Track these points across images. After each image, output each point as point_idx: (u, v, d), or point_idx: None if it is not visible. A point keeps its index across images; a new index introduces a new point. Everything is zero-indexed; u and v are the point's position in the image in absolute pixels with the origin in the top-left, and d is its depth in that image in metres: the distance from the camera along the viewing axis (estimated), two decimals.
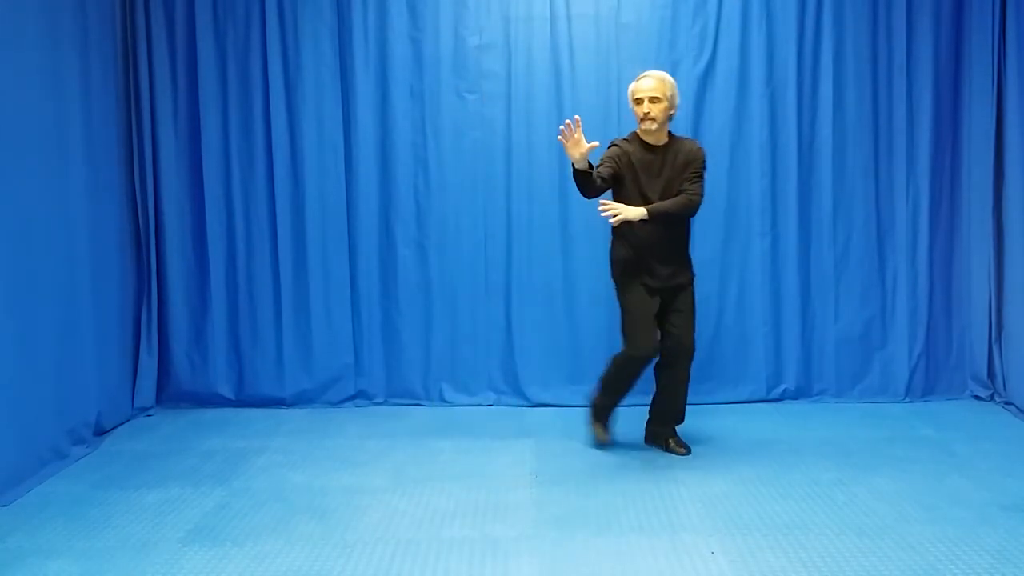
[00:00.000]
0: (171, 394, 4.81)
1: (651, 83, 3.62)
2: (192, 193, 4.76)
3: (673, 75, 4.73)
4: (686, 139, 3.78)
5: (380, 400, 4.82)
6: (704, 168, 3.70)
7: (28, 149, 3.64)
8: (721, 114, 4.67)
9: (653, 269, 3.72)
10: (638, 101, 3.64)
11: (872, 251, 4.75)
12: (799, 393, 4.78)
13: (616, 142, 3.75)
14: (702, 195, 3.69)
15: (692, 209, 3.69)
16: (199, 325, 4.81)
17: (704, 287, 4.71)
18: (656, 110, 3.60)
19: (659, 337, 3.78)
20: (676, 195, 3.66)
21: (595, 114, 4.67)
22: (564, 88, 4.67)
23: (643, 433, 4.05)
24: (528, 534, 3.04)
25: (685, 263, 3.81)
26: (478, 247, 4.77)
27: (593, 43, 4.67)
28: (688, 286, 3.81)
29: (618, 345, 4.82)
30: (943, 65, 4.67)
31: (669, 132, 3.72)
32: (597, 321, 4.76)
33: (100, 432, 4.23)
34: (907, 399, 4.73)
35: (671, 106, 3.65)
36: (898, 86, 4.66)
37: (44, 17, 3.78)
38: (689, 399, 4.72)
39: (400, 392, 4.83)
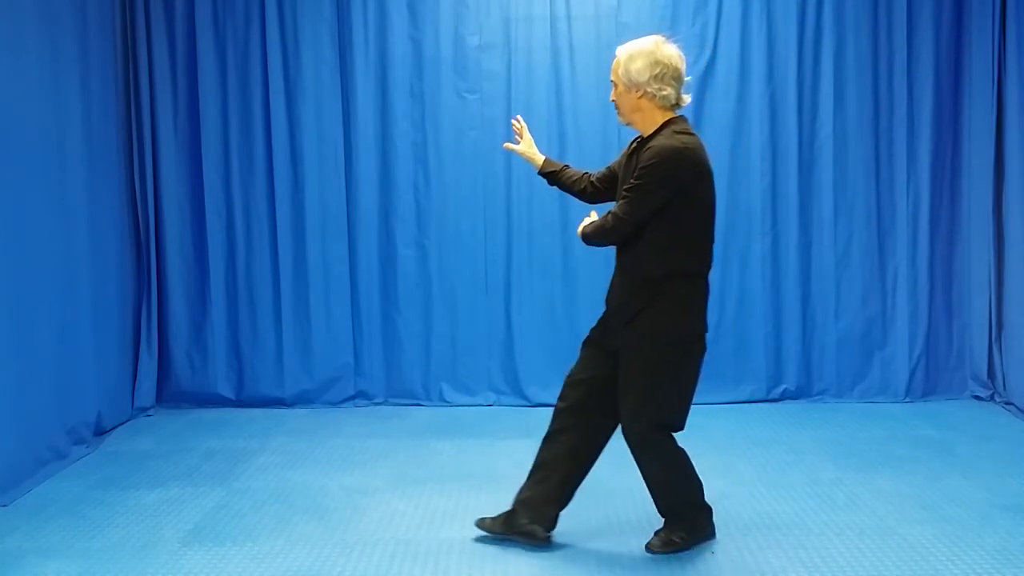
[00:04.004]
0: (171, 394, 4.81)
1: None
2: (192, 193, 4.76)
3: None
4: (671, 129, 2.67)
5: (380, 400, 4.82)
6: (650, 178, 2.58)
7: (28, 149, 3.64)
8: (721, 114, 4.67)
9: (606, 311, 2.91)
10: None
11: (872, 251, 4.74)
12: (799, 393, 4.77)
13: None
14: (623, 219, 2.63)
15: (601, 237, 2.72)
16: (199, 325, 4.81)
17: None
18: (615, 96, 2.78)
19: (582, 399, 2.90)
20: None
21: (595, 115, 4.67)
22: (564, 88, 4.67)
23: None
24: None
25: (632, 313, 2.71)
26: (478, 247, 4.77)
27: (593, 43, 4.67)
28: (635, 347, 2.71)
29: None
30: (943, 65, 4.67)
31: (671, 121, 2.71)
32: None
33: (100, 432, 4.23)
34: (907, 399, 4.73)
35: (629, 87, 2.69)
36: (898, 86, 4.66)
37: (44, 17, 3.78)
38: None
39: (400, 392, 4.83)
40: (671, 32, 4.59)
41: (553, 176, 3.09)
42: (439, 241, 4.77)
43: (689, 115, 4.57)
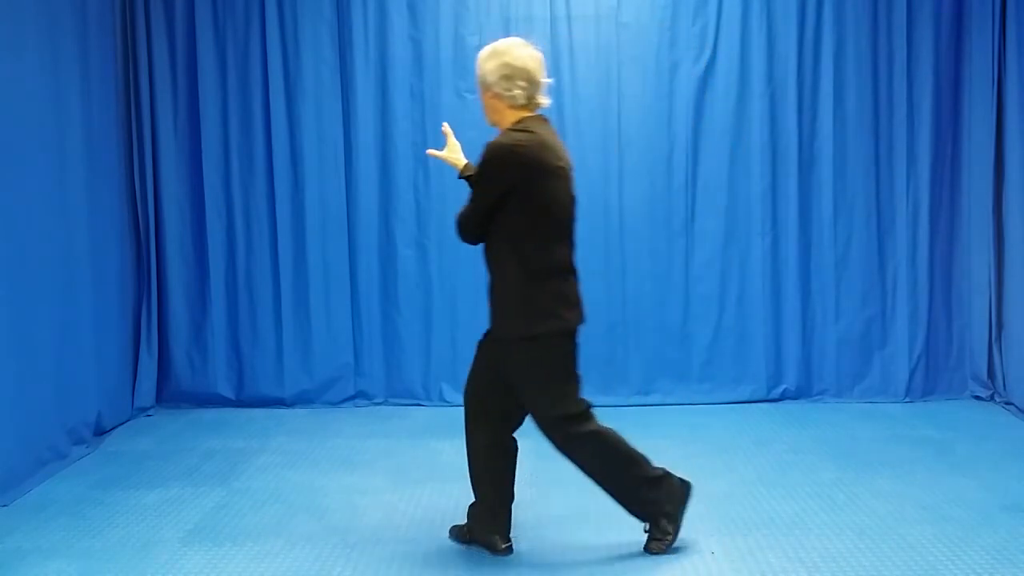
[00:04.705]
0: (171, 394, 4.81)
1: None
2: (192, 193, 4.76)
3: (673, 75, 4.78)
4: (511, 127, 2.70)
5: (380, 400, 4.82)
6: (480, 176, 2.66)
7: (28, 149, 3.64)
8: (721, 114, 4.67)
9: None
10: None
11: (872, 251, 4.74)
12: (799, 393, 4.77)
13: None
14: (466, 215, 2.72)
15: (458, 234, 2.79)
16: (199, 325, 4.81)
17: (704, 287, 4.73)
18: (480, 96, 2.83)
19: (478, 399, 2.88)
20: None
21: (594, 115, 4.67)
22: (564, 88, 4.67)
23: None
24: (528, 534, 3.04)
25: (500, 317, 2.76)
26: (478, 247, 4.75)
27: (593, 43, 4.67)
28: (512, 354, 2.73)
29: (618, 348, 4.85)
30: (943, 65, 4.67)
31: (522, 120, 2.73)
32: (597, 322, 4.74)
33: (100, 432, 4.23)
34: (907, 399, 4.73)
35: (484, 87, 2.74)
36: (898, 86, 4.66)
37: (44, 17, 3.78)
38: (689, 399, 4.73)
39: (400, 392, 4.83)
40: (671, 33, 4.64)
41: (470, 180, 2.96)
42: (439, 241, 4.76)
43: (689, 115, 4.66)
